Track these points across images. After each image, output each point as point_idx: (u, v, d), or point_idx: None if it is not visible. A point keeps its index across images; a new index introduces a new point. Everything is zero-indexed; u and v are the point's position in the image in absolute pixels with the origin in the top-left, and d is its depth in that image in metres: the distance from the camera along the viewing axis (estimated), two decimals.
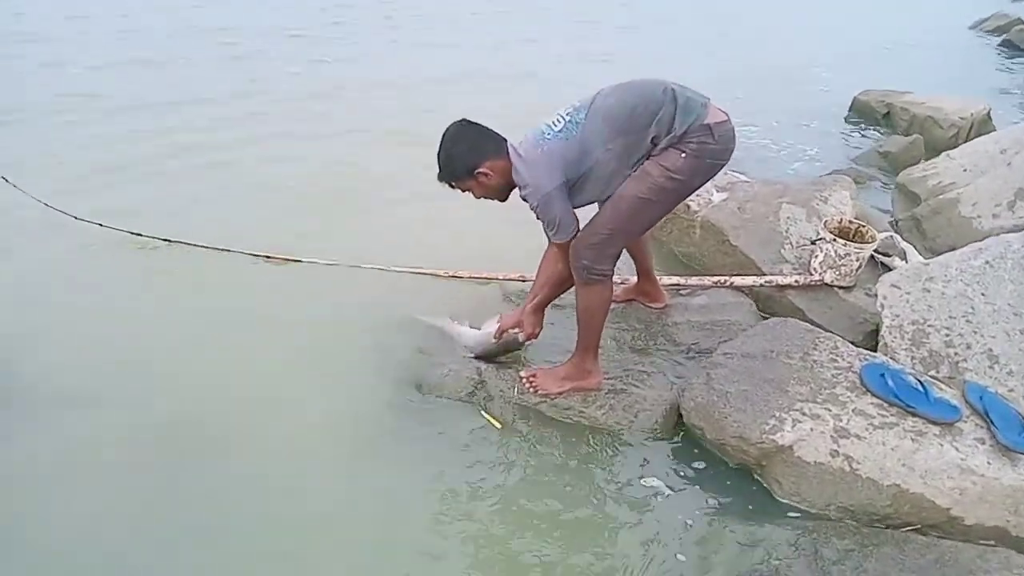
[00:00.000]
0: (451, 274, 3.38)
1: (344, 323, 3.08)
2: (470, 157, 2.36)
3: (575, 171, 2.33)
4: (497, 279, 3.36)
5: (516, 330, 2.69)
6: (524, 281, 3.30)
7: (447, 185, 2.44)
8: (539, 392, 2.59)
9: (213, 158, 4.66)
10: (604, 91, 2.39)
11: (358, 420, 2.58)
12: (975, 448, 2.06)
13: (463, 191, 2.46)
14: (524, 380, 2.63)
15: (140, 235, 3.57)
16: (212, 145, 4.87)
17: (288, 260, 3.48)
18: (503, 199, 2.50)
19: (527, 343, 2.77)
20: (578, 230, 2.39)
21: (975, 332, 2.43)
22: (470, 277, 3.38)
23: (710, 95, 2.36)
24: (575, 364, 2.61)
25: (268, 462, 2.39)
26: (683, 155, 2.29)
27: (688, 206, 3.72)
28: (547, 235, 2.45)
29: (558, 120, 2.36)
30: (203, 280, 3.38)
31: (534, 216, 2.41)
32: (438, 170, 2.42)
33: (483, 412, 2.57)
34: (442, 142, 2.39)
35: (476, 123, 2.42)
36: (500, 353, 2.80)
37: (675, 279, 3.28)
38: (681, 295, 3.24)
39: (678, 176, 2.31)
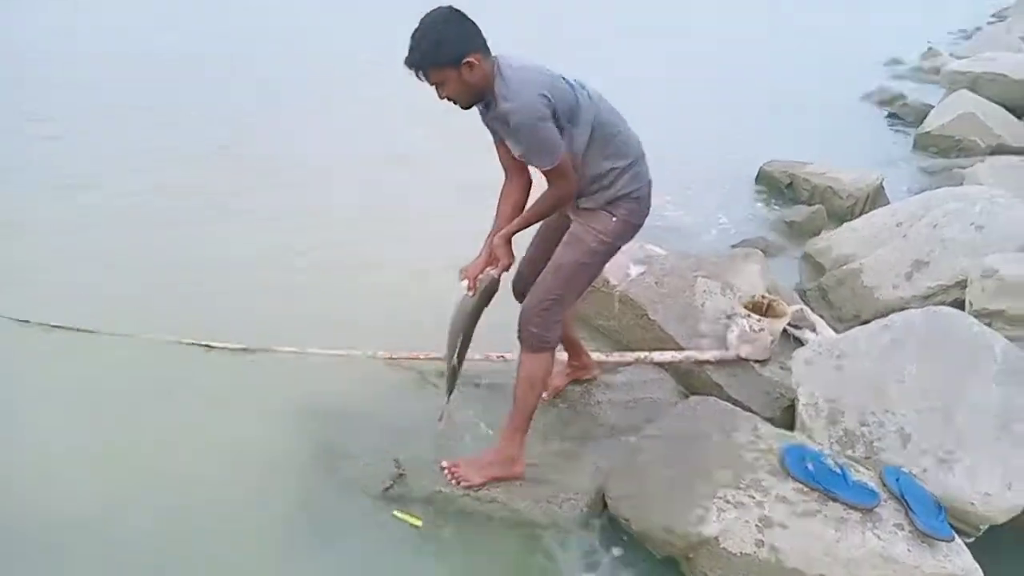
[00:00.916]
0: (369, 355, 3.24)
1: (252, 413, 2.90)
2: (461, 44, 2.08)
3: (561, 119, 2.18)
4: (417, 359, 3.24)
5: (489, 269, 2.40)
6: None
7: (417, 73, 2.12)
8: (461, 484, 2.47)
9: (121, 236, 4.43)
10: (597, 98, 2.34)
11: (262, 521, 2.39)
12: (895, 535, 2.06)
13: (432, 83, 2.14)
14: (446, 471, 2.50)
15: (27, 322, 3.30)
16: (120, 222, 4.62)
17: (194, 345, 3.27)
18: (467, 106, 2.24)
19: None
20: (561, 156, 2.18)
21: (887, 411, 2.48)
22: (390, 359, 3.24)
23: None
24: (500, 451, 2.51)
25: (158, 569, 2.17)
26: (614, 219, 2.36)
27: (607, 280, 3.73)
28: (524, 158, 2.27)
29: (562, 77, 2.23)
30: (103, 366, 3.14)
31: (498, 138, 2.35)
32: (413, 54, 2.08)
33: (397, 513, 2.41)
34: (429, 23, 2.08)
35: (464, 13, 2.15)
36: (483, 306, 2.46)
37: (598, 356, 3.25)
38: (604, 372, 3.21)
39: (608, 240, 2.39)
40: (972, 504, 2.22)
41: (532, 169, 2.34)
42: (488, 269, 2.40)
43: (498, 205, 2.48)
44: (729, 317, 3.26)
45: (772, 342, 3.15)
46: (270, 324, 3.47)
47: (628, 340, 3.55)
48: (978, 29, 27.03)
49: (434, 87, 2.16)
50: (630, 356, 3.24)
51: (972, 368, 2.50)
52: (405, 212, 5.16)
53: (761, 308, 3.25)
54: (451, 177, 5.49)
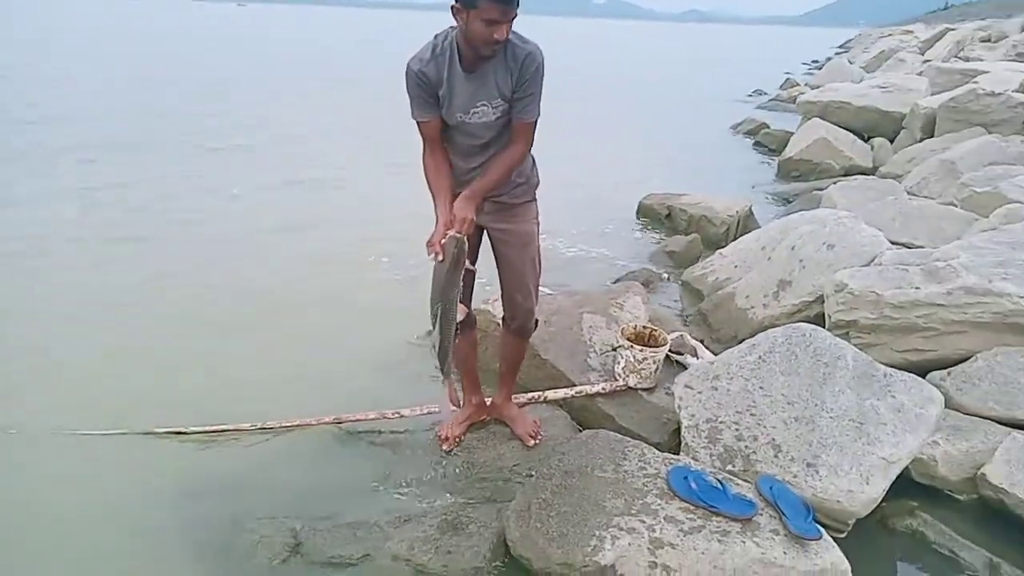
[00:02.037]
0: (259, 426, 3.18)
1: (140, 494, 2.78)
2: None
3: None
4: (311, 424, 3.20)
5: (451, 234, 2.30)
6: (340, 423, 3.19)
7: (514, 6, 2.18)
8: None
9: None
10: None
11: None
12: (772, 540, 2.21)
13: (510, 20, 2.20)
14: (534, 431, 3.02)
15: None
16: None
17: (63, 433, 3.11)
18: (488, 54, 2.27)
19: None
20: None
21: (759, 424, 2.67)
22: (281, 427, 3.19)
23: None
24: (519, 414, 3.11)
25: None
26: (536, 202, 2.75)
27: (498, 323, 3.82)
28: (523, 108, 2.36)
29: None
30: None
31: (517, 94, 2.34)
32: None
33: None
34: None
35: None
36: (457, 269, 2.33)
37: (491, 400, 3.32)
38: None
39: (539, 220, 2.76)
40: (838, 502, 2.41)
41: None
42: (448, 232, 2.32)
43: (433, 179, 2.47)
44: (615, 349, 3.41)
45: (656, 370, 3.32)
46: (145, 406, 3.34)
47: (523, 380, 3.63)
48: (828, 59, 29.63)
49: (506, 25, 2.20)
50: (524, 397, 3.33)
51: (829, 377, 2.73)
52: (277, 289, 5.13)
53: (644, 338, 3.42)
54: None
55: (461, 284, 2.40)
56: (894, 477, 2.50)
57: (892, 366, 3.06)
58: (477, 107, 2.38)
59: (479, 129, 2.44)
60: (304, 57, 25.91)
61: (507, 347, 3.05)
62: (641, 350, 3.27)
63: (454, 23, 2.28)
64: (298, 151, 9.46)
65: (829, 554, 2.20)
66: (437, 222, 2.39)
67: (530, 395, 3.34)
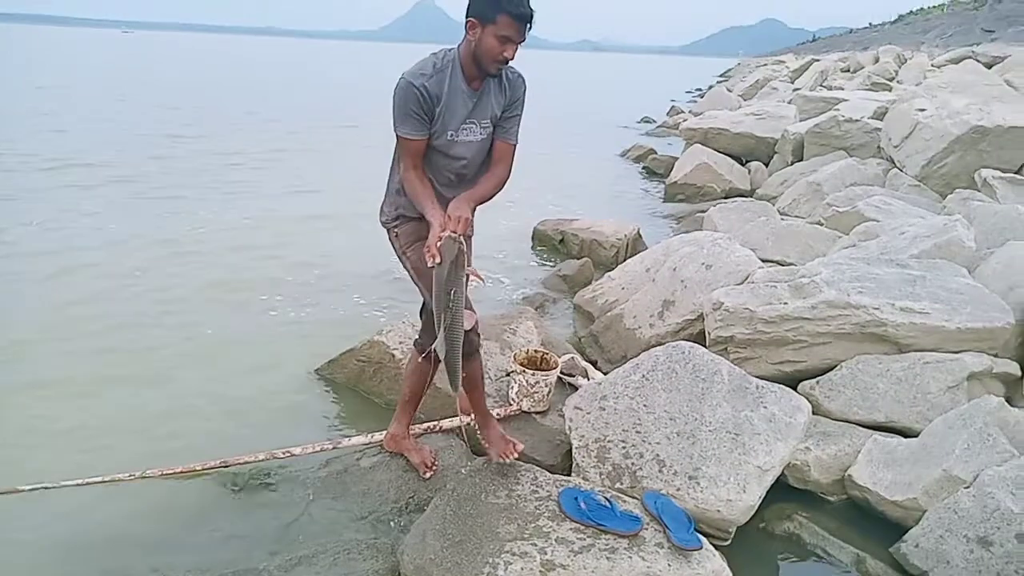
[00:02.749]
0: (138, 475, 3.01)
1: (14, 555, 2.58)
2: None
3: None
4: (195, 470, 3.06)
5: (445, 234, 2.21)
6: (227, 466, 3.07)
7: (528, 28, 2.32)
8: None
9: None
10: None
11: None
12: (656, 554, 2.29)
13: (522, 41, 2.34)
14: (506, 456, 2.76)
15: None
16: None
17: None
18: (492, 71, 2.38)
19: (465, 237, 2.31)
20: None
21: (644, 441, 2.77)
22: (163, 475, 3.03)
23: None
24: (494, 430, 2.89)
25: None
26: None
27: (392, 354, 3.81)
28: (507, 131, 2.51)
29: None
30: None
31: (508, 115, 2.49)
32: (532, 15, 2.30)
33: None
34: None
35: None
36: (456, 270, 2.24)
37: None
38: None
39: None
40: (718, 511, 2.53)
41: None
42: (444, 234, 2.23)
43: (420, 189, 2.41)
44: (508, 375, 3.46)
45: (548, 392, 3.39)
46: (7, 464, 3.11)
47: (421, 411, 3.63)
48: (710, 87, 31.30)
49: (516, 45, 2.32)
50: (419, 428, 3.31)
51: (707, 391, 2.87)
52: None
53: (536, 362, 3.49)
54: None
55: (465, 288, 2.32)
56: (769, 484, 2.65)
57: (768, 378, 3.26)
58: (467, 125, 2.43)
59: (463, 149, 2.46)
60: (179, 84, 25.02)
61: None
62: (533, 374, 3.33)
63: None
64: (171, 183, 9.09)
65: (711, 563, 2.30)
66: (432, 226, 2.29)
67: (425, 425, 3.33)
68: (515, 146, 2.55)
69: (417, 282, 2.67)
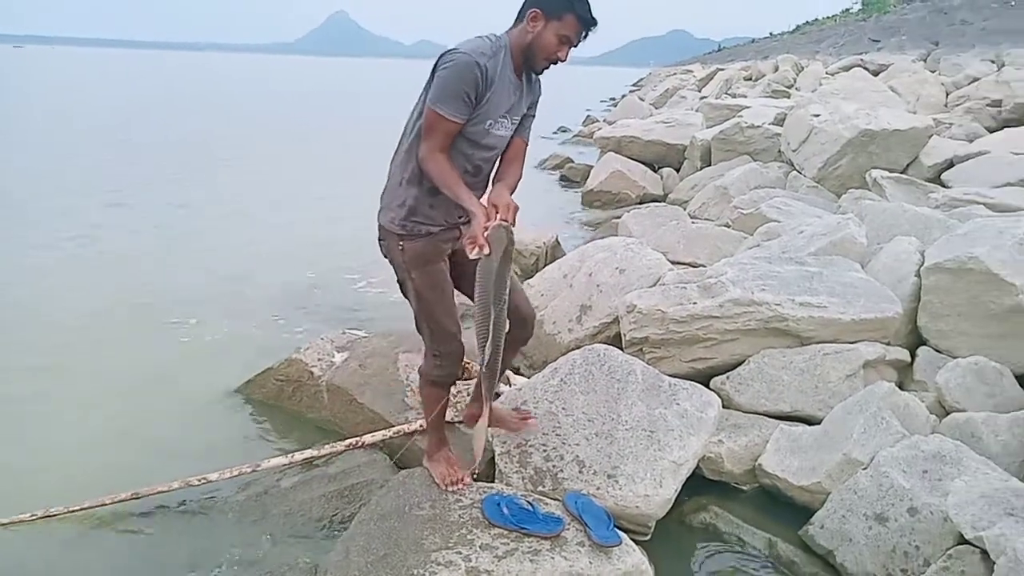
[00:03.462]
0: (40, 515, 2.85)
1: None
2: None
3: None
4: (104, 504, 2.93)
5: (493, 224, 2.06)
6: (139, 497, 2.95)
7: (589, 31, 2.26)
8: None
9: None
10: None
11: None
12: (578, 552, 2.35)
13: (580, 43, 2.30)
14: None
15: None
16: None
17: None
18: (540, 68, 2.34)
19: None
20: None
21: (564, 443, 2.82)
22: (69, 512, 2.88)
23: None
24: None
25: None
26: None
27: (312, 372, 3.76)
28: (525, 128, 2.47)
29: None
30: None
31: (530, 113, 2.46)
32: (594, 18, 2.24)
33: None
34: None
35: None
36: (507, 261, 2.13)
37: (308, 452, 3.24)
38: (316, 467, 3.20)
39: None
40: (637, 507, 2.61)
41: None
42: (492, 224, 2.08)
43: (452, 174, 2.23)
44: None
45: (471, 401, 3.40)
46: None
47: (343, 427, 3.60)
48: (623, 96, 32.08)
49: (570, 48, 2.26)
50: (341, 445, 3.28)
51: (622, 392, 2.95)
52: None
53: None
54: None
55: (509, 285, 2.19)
56: (684, 477, 2.75)
57: (682, 376, 3.39)
58: (503, 118, 2.33)
59: (495, 141, 2.36)
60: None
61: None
62: (454, 384, 3.34)
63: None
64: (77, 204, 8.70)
65: (631, 557, 2.37)
66: (473, 217, 2.13)
67: (347, 441, 3.30)
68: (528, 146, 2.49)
69: (420, 308, 2.52)
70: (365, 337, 4.07)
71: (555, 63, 2.27)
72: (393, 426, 3.38)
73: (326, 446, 3.30)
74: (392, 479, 2.84)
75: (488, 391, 2.38)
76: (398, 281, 2.58)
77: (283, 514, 2.92)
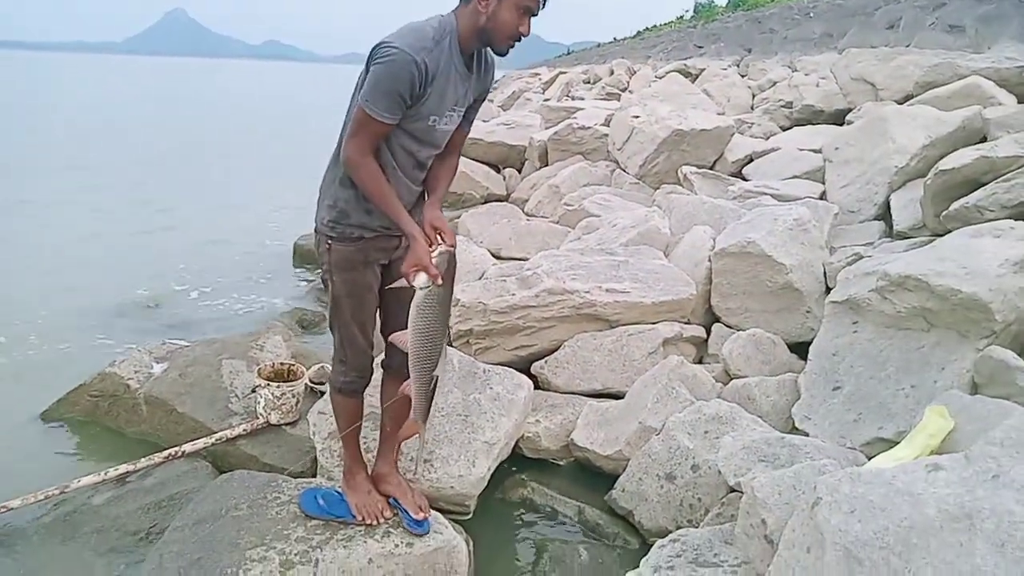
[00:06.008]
0: None
1: None
2: None
3: None
4: None
5: (440, 250, 2.03)
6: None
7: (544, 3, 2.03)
8: None
9: None
10: None
11: None
12: (389, 533, 2.47)
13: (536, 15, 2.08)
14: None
15: None
16: None
17: None
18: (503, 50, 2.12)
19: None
20: None
21: None
22: None
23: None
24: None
25: None
26: None
27: (128, 385, 3.63)
28: (468, 120, 2.29)
29: None
30: None
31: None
32: None
33: None
34: None
35: None
36: (451, 290, 2.11)
37: (123, 467, 3.13)
38: (131, 481, 3.11)
39: None
40: (452, 487, 2.77)
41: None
42: (436, 248, 2.03)
43: (386, 188, 2.09)
44: (254, 390, 3.45)
45: (297, 403, 3.43)
46: None
47: (164, 439, 3.49)
48: None
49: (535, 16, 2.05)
50: (159, 456, 3.20)
51: (441, 381, 3.10)
52: None
53: (283, 374, 3.52)
54: None
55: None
56: (497, 455, 2.95)
57: (507, 364, 3.60)
58: (449, 112, 2.14)
59: (440, 137, 2.19)
60: None
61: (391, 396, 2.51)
62: (279, 386, 3.36)
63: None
64: None
65: (443, 534, 2.52)
66: (412, 240, 2.04)
67: (166, 452, 3.22)
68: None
69: (334, 311, 2.38)
70: (187, 346, 3.97)
71: (519, 40, 2.07)
72: (215, 432, 3.34)
73: (143, 459, 3.20)
74: (210, 484, 2.83)
75: (425, 413, 2.33)
76: (321, 277, 2.48)
77: (95, 531, 2.83)
